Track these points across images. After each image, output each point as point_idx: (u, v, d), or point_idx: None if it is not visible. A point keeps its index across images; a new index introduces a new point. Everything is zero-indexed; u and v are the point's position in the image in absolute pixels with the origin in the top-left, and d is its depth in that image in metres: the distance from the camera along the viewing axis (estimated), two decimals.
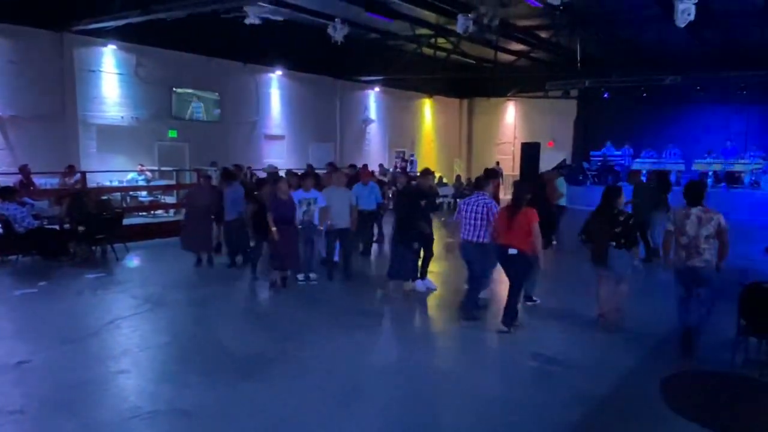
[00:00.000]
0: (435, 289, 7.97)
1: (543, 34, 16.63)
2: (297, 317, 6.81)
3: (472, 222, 6.44)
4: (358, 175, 10.66)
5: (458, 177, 22.14)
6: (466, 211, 6.52)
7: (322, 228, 8.20)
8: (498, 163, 23.21)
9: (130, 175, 13.93)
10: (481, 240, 6.42)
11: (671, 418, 3.34)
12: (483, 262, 6.59)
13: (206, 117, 16.00)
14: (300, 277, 8.25)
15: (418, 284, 7.81)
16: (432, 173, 8.47)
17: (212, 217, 9.53)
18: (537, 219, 5.92)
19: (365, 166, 18.10)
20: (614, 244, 5.93)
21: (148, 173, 14.19)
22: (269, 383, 4.97)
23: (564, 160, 22.32)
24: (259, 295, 7.87)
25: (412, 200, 7.42)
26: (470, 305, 6.64)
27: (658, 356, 5.61)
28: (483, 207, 6.40)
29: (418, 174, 9.96)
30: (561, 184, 10.86)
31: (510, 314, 6.10)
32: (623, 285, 6.16)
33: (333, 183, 8.76)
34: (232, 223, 9.24)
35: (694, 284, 5.51)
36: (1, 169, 11.88)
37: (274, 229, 7.50)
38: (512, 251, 5.90)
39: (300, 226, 7.95)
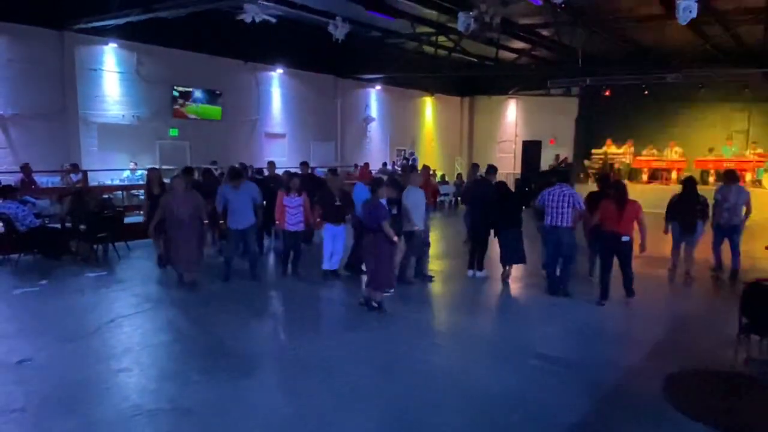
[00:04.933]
0: (487, 277, 8.60)
1: (544, 32, 16.60)
2: (299, 315, 6.81)
3: (561, 210, 7.35)
4: (314, 177, 10.02)
5: (459, 175, 22.12)
6: (552, 201, 7.41)
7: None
8: (492, 168, 23.15)
9: (125, 174, 13.93)
10: (568, 225, 7.36)
11: (674, 417, 3.34)
12: (572, 243, 7.51)
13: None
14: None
15: (478, 273, 8.61)
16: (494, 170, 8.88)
17: (201, 226, 7.88)
18: (642, 211, 7.02)
19: (366, 164, 18.18)
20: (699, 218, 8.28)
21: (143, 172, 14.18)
22: (270, 381, 4.98)
23: (557, 156, 22.33)
24: (259, 294, 7.85)
25: (508, 194, 8.50)
26: (565, 282, 7.58)
27: (661, 355, 5.60)
28: (569, 197, 7.33)
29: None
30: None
31: (631, 287, 7.15)
32: (694, 248, 8.49)
33: (410, 183, 8.21)
34: (247, 232, 8.12)
35: (729, 235, 8.52)
36: (2, 168, 11.89)
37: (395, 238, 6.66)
38: (625, 238, 6.89)
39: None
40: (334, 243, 8.27)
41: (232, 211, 8.00)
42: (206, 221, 7.74)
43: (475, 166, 11.39)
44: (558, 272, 7.66)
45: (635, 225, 6.99)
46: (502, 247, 8.35)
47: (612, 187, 7.44)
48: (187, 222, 7.46)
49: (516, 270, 8.73)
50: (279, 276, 8.63)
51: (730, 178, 8.84)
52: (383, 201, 6.86)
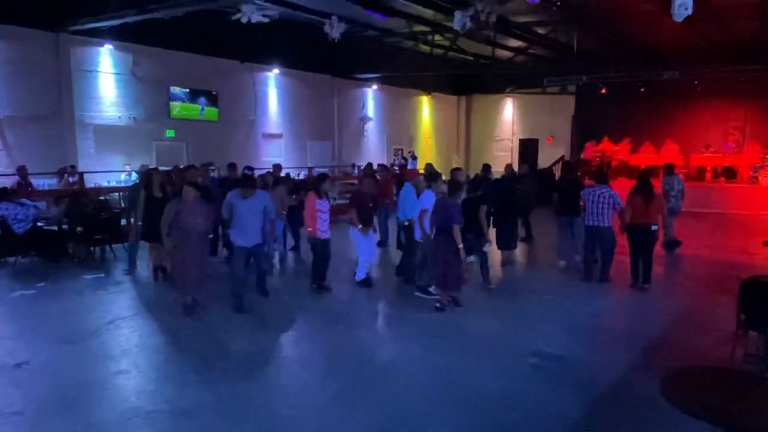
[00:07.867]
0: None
1: (540, 30, 16.60)
2: (296, 316, 6.80)
3: (601, 210, 7.87)
4: (279, 178, 9.78)
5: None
6: (593, 201, 7.93)
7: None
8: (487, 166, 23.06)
9: (123, 176, 13.88)
10: (609, 224, 7.91)
11: (671, 414, 3.34)
12: (611, 240, 8.07)
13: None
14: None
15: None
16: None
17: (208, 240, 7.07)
18: (665, 204, 8.08)
19: (369, 164, 18.10)
20: None
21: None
22: (268, 382, 4.97)
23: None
24: (258, 296, 7.82)
25: (510, 190, 9.54)
26: (605, 271, 8.15)
27: (659, 352, 5.61)
28: (609, 198, 7.85)
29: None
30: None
31: (650, 275, 7.77)
32: None
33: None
34: (255, 250, 7.08)
35: (673, 216, 10.13)
36: None
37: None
38: (654, 227, 7.66)
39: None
40: (369, 247, 7.93)
41: (239, 225, 6.80)
42: (210, 235, 7.08)
43: (428, 166, 11.24)
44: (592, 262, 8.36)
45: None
46: (498, 236, 9.22)
47: (639, 182, 8.04)
48: (200, 236, 6.62)
49: (518, 262, 9.28)
50: (309, 289, 7.78)
51: (671, 171, 10.84)
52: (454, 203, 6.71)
